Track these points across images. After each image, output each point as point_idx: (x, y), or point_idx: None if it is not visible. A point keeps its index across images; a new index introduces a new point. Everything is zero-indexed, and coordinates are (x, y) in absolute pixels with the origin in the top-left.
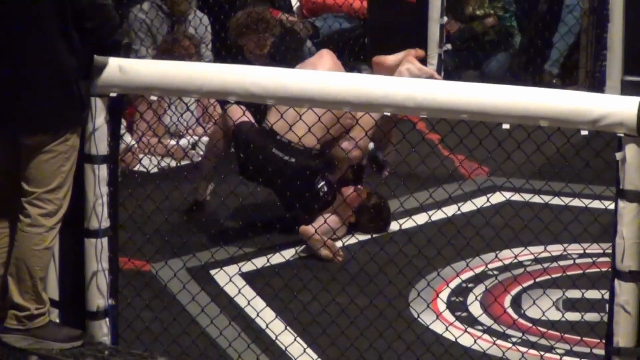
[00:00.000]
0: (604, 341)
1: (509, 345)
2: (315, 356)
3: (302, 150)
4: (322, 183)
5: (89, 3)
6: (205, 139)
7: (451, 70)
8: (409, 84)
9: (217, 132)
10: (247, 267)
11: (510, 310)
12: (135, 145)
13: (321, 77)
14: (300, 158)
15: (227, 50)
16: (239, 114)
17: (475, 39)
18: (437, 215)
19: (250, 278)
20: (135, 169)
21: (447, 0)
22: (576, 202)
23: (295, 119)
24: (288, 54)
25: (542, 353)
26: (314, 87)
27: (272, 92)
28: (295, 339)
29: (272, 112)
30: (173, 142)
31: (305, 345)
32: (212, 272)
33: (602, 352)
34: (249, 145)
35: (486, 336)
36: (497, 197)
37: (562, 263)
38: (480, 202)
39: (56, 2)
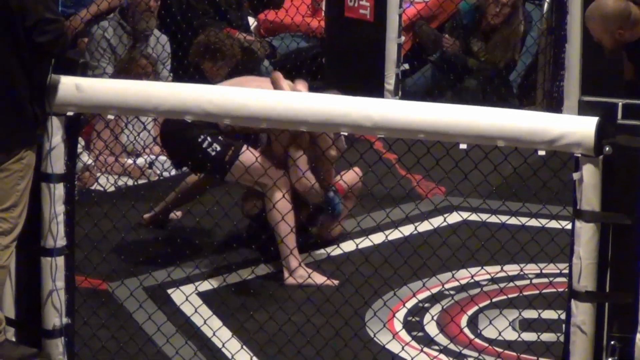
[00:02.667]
0: None
1: None
2: None
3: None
4: (208, 140)
5: (40, 18)
6: (162, 157)
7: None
8: (366, 104)
9: None
10: (204, 286)
11: (466, 330)
12: (93, 164)
13: (278, 96)
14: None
15: (184, 70)
16: None
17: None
18: (394, 234)
19: (206, 297)
20: (92, 187)
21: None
22: (533, 222)
23: None
24: (245, 73)
25: None
26: (271, 106)
27: (229, 111)
28: (251, 358)
29: None
30: (130, 161)
31: None
32: (169, 291)
33: None
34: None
35: (442, 356)
36: (454, 217)
37: (518, 283)
38: (437, 221)
39: (5, 18)
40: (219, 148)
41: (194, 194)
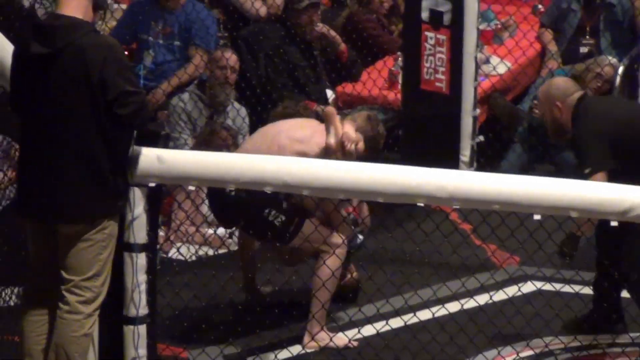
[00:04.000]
0: None
1: None
2: None
3: None
4: (274, 212)
5: (121, 91)
6: None
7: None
8: (441, 175)
9: None
10: (283, 354)
11: None
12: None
13: (353, 167)
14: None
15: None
16: None
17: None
18: (470, 304)
19: None
20: (174, 257)
21: None
22: None
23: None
24: None
25: None
26: (347, 177)
27: (307, 183)
28: None
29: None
30: (211, 231)
31: None
32: (249, 359)
33: None
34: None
35: None
36: (528, 287)
37: (592, 352)
38: (511, 291)
39: (88, 91)
40: (283, 218)
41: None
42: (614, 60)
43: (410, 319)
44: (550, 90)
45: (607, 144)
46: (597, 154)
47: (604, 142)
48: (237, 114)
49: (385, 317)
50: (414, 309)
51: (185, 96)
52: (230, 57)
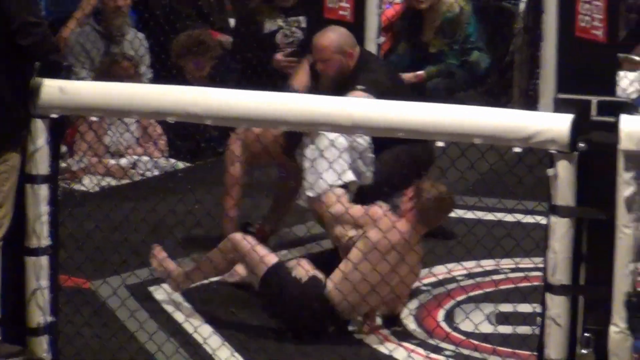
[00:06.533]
0: (535, 353)
1: (443, 358)
2: None
3: None
4: None
5: (23, 21)
6: (145, 158)
7: None
8: (346, 103)
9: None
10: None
11: (443, 324)
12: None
13: (256, 96)
14: None
15: (166, 71)
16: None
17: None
18: None
19: (188, 295)
20: (77, 188)
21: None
22: (509, 218)
23: None
24: (228, 75)
25: None
26: (250, 106)
27: (210, 112)
28: (232, 354)
29: None
30: (113, 161)
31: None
32: (151, 289)
33: None
34: None
35: (420, 350)
36: None
37: (495, 277)
38: None
39: None
40: None
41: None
42: None
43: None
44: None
45: None
46: None
47: None
48: (139, 43)
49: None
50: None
51: (87, 28)
52: None
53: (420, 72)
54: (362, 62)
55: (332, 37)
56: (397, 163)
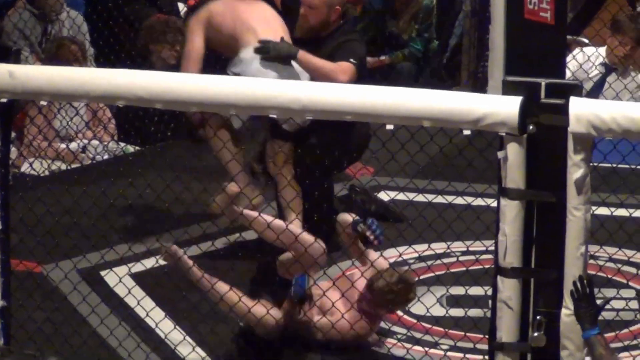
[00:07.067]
0: (487, 336)
1: (394, 341)
2: (203, 354)
3: None
4: None
5: None
6: (94, 142)
7: None
8: (294, 86)
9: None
10: (137, 267)
11: None
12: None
13: (205, 80)
14: None
15: (116, 57)
16: None
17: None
18: None
19: (140, 279)
20: (27, 172)
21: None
22: (459, 201)
23: None
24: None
25: (426, 349)
26: (200, 90)
27: (160, 96)
28: (184, 338)
29: None
30: (63, 145)
31: (194, 344)
32: (102, 273)
33: (485, 347)
34: None
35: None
36: (382, 197)
37: (445, 260)
38: None
39: None
40: None
41: None
42: None
43: None
44: None
45: None
46: None
47: None
48: (72, 22)
49: None
50: None
51: (22, 12)
52: None
53: (383, 57)
54: (343, 25)
55: None
56: (332, 145)
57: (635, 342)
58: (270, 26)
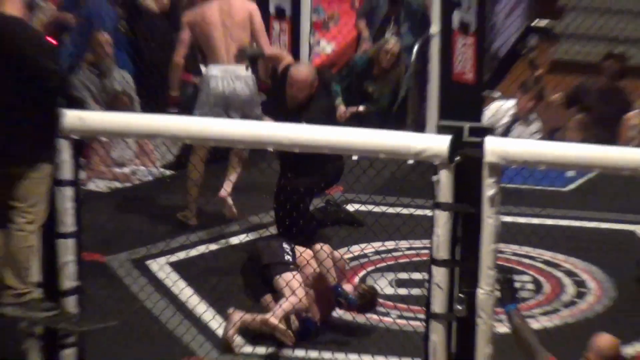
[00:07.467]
0: (424, 308)
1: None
2: (221, 320)
3: None
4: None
5: (46, 68)
6: (142, 167)
7: None
8: (288, 128)
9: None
10: (173, 258)
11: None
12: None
13: (214, 123)
14: None
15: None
16: None
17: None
18: None
19: (175, 267)
20: (92, 189)
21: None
22: (405, 211)
23: None
24: None
25: (380, 317)
26: (212, 130)
27: (187, 134)
28: (207, 309)
29: None
30: (119, 170)
31: (215, 312)
32: (147, 262)
33: (423, 316)
34: None
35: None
36: (349, 208)
37: (395, 254)
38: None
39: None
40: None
41: None
42: (396, 40)
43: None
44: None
45: None
46: None
47: None
48: (122, 77)
49: None
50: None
51: (87, 72)
52: (103, 37)
53: (361, 108)
54: (317, 91)
55: (308, 72)
56: (315, 173)
57: (529, 312)
58: (234, 39)
